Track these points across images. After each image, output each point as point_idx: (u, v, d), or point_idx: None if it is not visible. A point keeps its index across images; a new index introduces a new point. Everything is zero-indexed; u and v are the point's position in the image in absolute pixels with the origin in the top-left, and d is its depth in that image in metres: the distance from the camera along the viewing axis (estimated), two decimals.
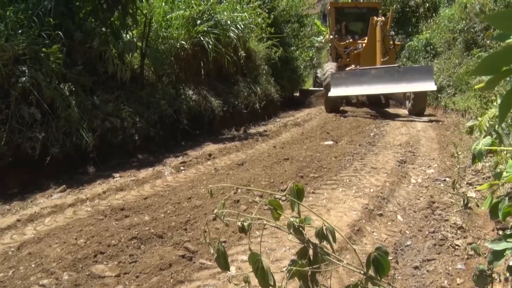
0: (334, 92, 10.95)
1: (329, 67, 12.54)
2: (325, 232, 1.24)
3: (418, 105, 10.94)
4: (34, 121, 5.10)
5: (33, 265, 2.80)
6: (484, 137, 1.38)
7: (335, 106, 12.08)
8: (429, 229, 3.42)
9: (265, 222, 1.26)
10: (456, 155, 3.97)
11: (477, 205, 2.98)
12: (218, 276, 2.70)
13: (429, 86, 10.00)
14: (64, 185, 4.83)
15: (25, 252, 2.97)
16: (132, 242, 3.17)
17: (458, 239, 3.24)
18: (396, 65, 11.13)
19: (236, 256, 2.96)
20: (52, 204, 4.19)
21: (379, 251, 1.16)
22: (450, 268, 2.81)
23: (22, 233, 3.49)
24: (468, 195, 3.24)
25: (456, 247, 3.11)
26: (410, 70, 10.57)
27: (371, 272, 1.20)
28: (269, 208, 1.30)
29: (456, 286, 2.59)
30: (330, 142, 7.18)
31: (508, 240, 1.05)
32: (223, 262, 1.28)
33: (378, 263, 1.16)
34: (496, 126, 1.39)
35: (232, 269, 2.77)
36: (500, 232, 2.71)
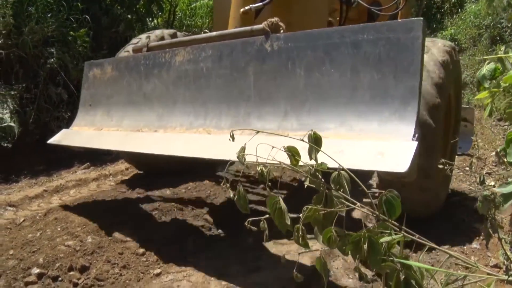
0: (64, 136, 3.62)
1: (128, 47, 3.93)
2: (340, 176, 1.29)
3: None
4: (61, 101, 5.28)
5: (59, 229, 2.93)
6: (488, 64, 1.41)
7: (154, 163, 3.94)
8: (446, 213, 3.43)
9: (283, 165, 1.32)
10: (475, 143, 3.95)
11: (494, 186, 2.98)
12: (236, 245, 2.77)
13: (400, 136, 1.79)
14: (88, 163, 4.97)
15: (51, 217, 3.10)
16: (154, 213, 3.27)
17: (475, 222, 3.24)
18: (259, 26, 2.36)
19: None
20: (77, 178, 4.34)
21: (390, 193, 1.21)
22: (465, 247, 2.83)
23: (48, 202, 3.64)
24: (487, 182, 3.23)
25: (473, 229, 3.12)
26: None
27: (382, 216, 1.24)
28: (288, 155, 1.36)
29: None
30: None
31: None
32: (242, 203, 1.35)
33: (390, 204, 1.21)
34: (500, 53, 1.42)
35: None
36: None
